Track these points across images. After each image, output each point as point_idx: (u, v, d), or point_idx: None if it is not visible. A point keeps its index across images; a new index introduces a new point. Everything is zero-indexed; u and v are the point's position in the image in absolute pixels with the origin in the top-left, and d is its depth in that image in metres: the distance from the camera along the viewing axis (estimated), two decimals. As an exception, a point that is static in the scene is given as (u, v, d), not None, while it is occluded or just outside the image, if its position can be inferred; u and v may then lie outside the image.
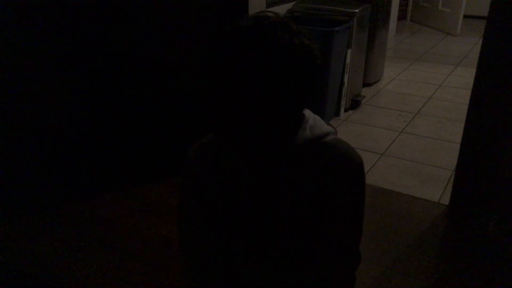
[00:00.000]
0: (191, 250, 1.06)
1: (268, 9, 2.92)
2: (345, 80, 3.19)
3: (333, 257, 0.94)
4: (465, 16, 5.65)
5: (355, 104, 3.43)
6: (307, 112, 0.91)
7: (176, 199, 1.08)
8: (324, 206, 0.89)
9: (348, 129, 3.12)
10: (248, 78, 0.75)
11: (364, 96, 3.58)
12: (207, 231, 1.01)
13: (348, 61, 3.14)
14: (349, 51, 3.12)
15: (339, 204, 0.90)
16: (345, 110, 3.36)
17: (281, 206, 0.91)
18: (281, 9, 3.20)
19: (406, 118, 3.28)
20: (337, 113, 3.28)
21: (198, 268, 1.06)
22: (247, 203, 0.93)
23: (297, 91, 0.79)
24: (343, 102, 3.27)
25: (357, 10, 3.09)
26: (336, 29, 2.83)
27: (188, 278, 1.11)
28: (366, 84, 3.79)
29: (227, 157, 0.94)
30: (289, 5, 3.26)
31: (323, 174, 0.87)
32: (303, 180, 0.88)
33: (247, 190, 0.92)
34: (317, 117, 0.92)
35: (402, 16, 6.18)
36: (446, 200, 2.24)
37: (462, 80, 4.01)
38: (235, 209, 0.95)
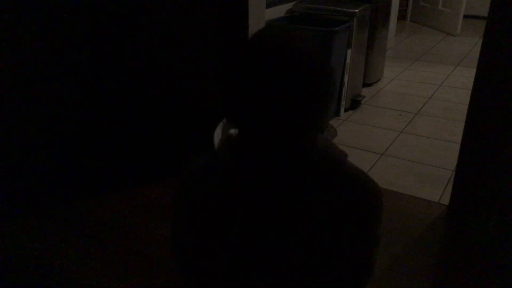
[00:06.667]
0: (188, 276, 1.00)
1: (267, 9, 2.92)
2: (345, 80, 3.19)
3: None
4: (465, 16, 5.65)
5: (355, 104, 3.43)
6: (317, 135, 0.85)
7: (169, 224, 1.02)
8: (336, 236, 0.83)
9: (348, 129, 3.12)
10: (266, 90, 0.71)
11: (364, 96, 3.58)
12: (204, 258, 0.93)
13: (348, 61, 3.14)
14: (349, 51, 3.12)
15: (355, 237, 0.84)
16: (345, 110, 3.36)
17: (287, 234, 0.83)
18: (281, 9, 3.21)
19: (406, 118, 3.27)
20: (337, 113, 3.28)
21: None
22: (249, 231, 0.85)
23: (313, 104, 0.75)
24: (343, 102, 3.28)
25: (357, 10, 3.09)
26: (336, 29, 2.83)
27: None
28: (366, 84, 3.79)
29: (226, 183, 0.85)
30: (289, 5, 3.27)
31: (339, 204, 0.81)
32: (312, 208, 0.81)
33: (249, 217, 0.84)
34: (327, 138, 0.87)
35: (402, 16, 6.18)
36: (446, 200, 2.24)
37: (462, 80, 4.01)
38: (235, 237, 0.86)
